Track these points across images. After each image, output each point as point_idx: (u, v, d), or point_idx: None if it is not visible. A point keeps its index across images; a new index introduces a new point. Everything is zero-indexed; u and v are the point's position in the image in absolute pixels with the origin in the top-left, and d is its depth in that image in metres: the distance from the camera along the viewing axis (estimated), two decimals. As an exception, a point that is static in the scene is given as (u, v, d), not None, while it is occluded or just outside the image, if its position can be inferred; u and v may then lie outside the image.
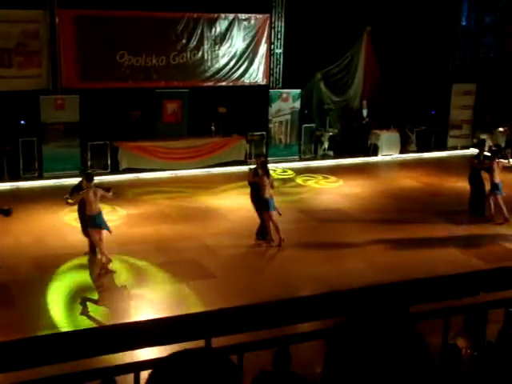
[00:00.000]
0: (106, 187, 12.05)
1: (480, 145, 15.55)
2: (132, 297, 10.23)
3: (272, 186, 12.47)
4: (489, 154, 14.82)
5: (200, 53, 19.01)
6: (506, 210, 13.93)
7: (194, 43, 18.90)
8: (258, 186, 12.43)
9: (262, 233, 12.63)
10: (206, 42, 19.01)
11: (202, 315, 2.36)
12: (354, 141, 20.93)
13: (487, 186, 14.28)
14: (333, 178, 17.83)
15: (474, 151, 21.44)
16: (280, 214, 12.46)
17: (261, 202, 12.35)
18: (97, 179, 16.34)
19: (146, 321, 2.55)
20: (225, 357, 1.76)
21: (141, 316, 9.29)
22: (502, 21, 23.72)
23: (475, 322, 5.28)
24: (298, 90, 19.95)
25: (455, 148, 21.80)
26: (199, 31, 18.87)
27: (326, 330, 2.57)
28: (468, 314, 4.81)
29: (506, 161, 15.20)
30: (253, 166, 13.16)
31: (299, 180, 17.88)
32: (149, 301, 10.21)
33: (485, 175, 14.36)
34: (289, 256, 12.07)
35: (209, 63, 19.21)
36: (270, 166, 18.04)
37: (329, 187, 17.15)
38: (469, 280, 2.66)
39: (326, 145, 20.43)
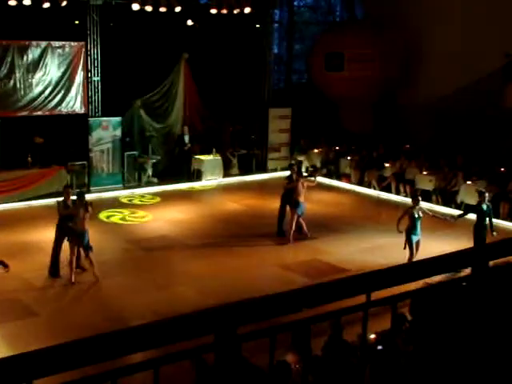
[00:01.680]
0: None
1: (290, 166, 15.87)
2: None
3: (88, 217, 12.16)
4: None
5: (12, 81, 18.17)
6: (293, 232, 14.53)
7: (5, 71, 18.03)
8: (70, 217, 12.01)
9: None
10: (17, 71, 18.20)
11: (23, 356, 2.22)
12: (177, 167, 21.05)
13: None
14: (141, 213, 17.16)
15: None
16: (91, 251, 12.04)
17: (76, 234, 11.90)
18: None
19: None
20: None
21: None
22: (309, 49, 25.20)
23: (301, 336, 5.47)
24: (119, 118, 19.70)
25: (275, 170, 22.67)
26: (9, 59, 18.04)
27: (155, 359, 2.52)
28: (294, 329, 4.97)
29: (313, 178, 15.87)
30: (61, 199, 12.67)
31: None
32: None
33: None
34: (115, 286, 11.79)
35: (22, 92, 18.40)
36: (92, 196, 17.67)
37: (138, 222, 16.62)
38: (292, 297, 2.74)
39: (149, 172, 20.34)
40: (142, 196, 18.92)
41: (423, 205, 13.25)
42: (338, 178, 21.28)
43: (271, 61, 23.59)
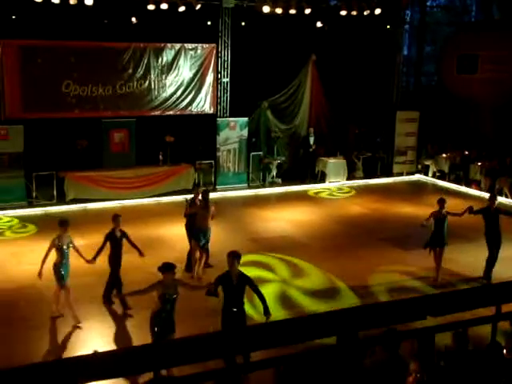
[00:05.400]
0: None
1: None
2: (81, 330, 10.01)
3: (212, 217, 12.37)
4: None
5: (147, 82, 18.98)
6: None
7: (141, 73, 18.86)
8: (194, 216, 12.30)
9: (189, 265, 12.52)
10: (152, 72, 19.00)
11: (154, 347, 2.33)
12: (301, 168, 21.15)
13: None
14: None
15: (419, 177, 21.98)
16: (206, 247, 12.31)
17: (195, 232, 12.24)
18: (42, 210, 16.19)
19: (95, 353, 2.50)
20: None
21: (91, 349, 9.08)
22: (441, 51, 24.48)
23: (425, 345, 5.34)
24: (246, 119, 20.07)
25: (401, 174, 22.22)
26: (146, 61, 18.86)
27: (277, 358, 2.57)
28: (420, 337, 4.87)
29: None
30: (189, 197, 13.06)
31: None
32: (98, 333, 10.00)
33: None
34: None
35: (156, 92, 19.18)
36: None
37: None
38: (416, 305, 2.69)
39: (274, 172, 20.56)
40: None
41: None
42: (467, 184, 20.55)
43: (401, 63, 23.14)
